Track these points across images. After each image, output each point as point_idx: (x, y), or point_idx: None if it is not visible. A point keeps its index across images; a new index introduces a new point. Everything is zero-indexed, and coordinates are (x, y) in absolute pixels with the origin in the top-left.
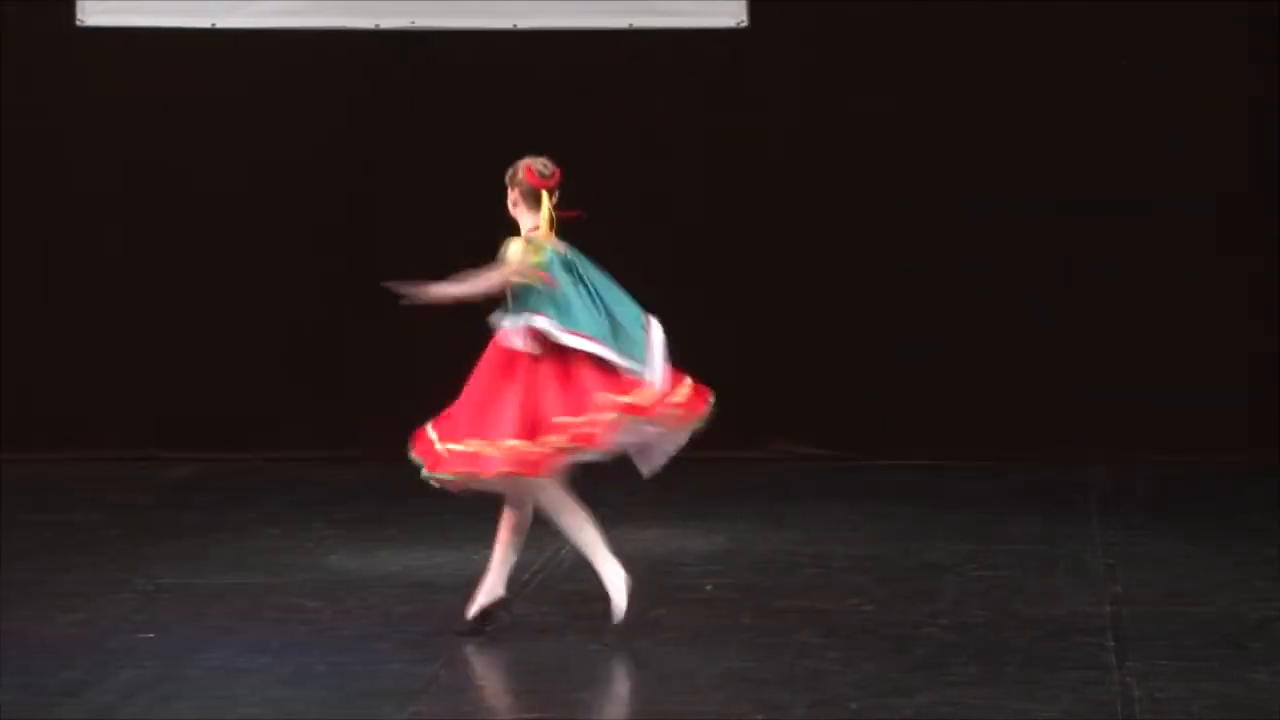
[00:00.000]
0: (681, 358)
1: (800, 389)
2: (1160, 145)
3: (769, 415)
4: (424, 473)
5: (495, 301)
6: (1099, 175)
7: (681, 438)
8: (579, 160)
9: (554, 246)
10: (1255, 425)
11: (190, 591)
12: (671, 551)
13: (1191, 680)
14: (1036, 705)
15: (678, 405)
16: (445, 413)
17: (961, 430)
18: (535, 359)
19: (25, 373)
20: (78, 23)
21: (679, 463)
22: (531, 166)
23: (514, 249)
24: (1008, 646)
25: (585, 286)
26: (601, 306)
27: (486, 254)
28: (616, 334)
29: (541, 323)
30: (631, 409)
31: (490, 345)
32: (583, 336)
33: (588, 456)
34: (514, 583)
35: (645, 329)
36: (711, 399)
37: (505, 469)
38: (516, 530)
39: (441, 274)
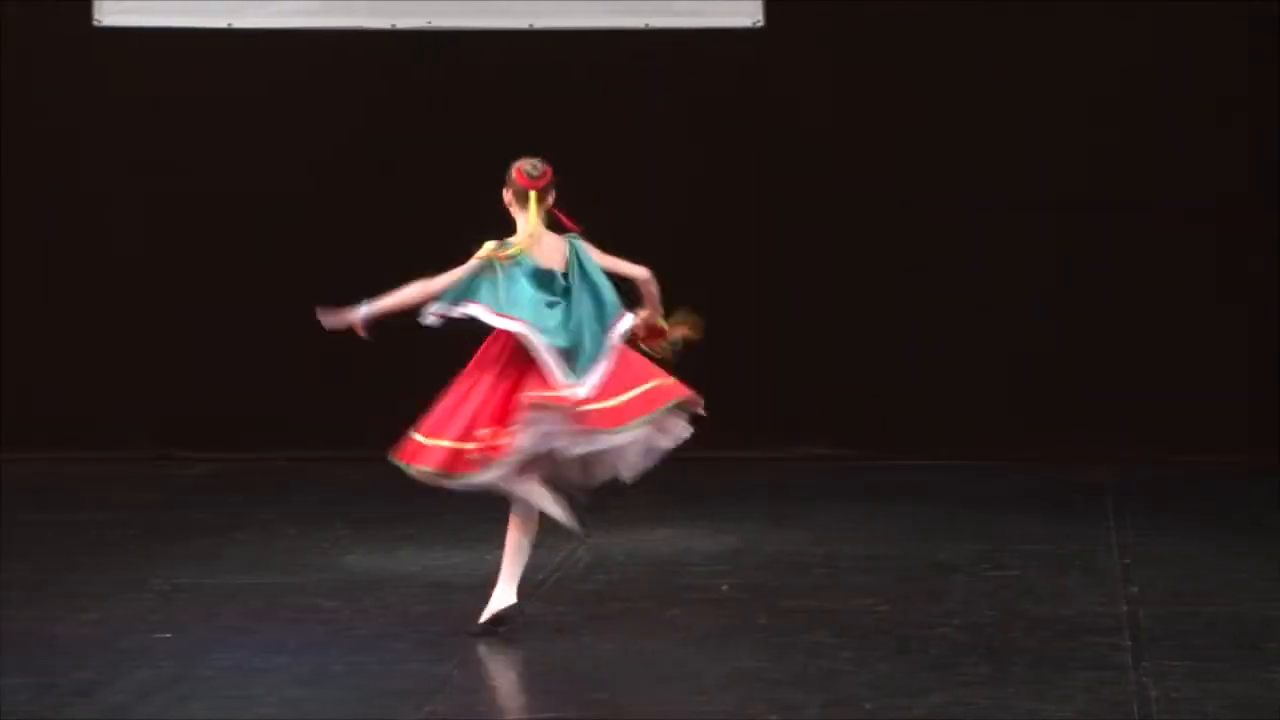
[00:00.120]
0: (682, 357)
1: (800, 389)
2: (1160, 145)
3: (769, 415)
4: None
5: None
6: (1099, 175)
7: (668, 440)
8: (583, 160)
9: (531, 250)
10: (1255, 425)
11: (206, 591)
12: (680, 552)
13: (1207, 680)
14: (1051, 705)
15: (610, 409)
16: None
17: (961, 430)
18: (511, 363)
19: (25, 372)
20: (95, 23)
21: (681, 463)
22: (521, 167)
23: (485, 248)
24: (1020, 647)
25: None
26: (569, 309)
27: None
28: (570, 336)
29: (474, 309)
30: (541, 401)
31: (485, 342)
32: (512, 319)
33: (504, 465)
34: (528, 583)
35: (606, 336)
36: (681, 395)
37: (436, 466)
38: (524, 533)
39: None
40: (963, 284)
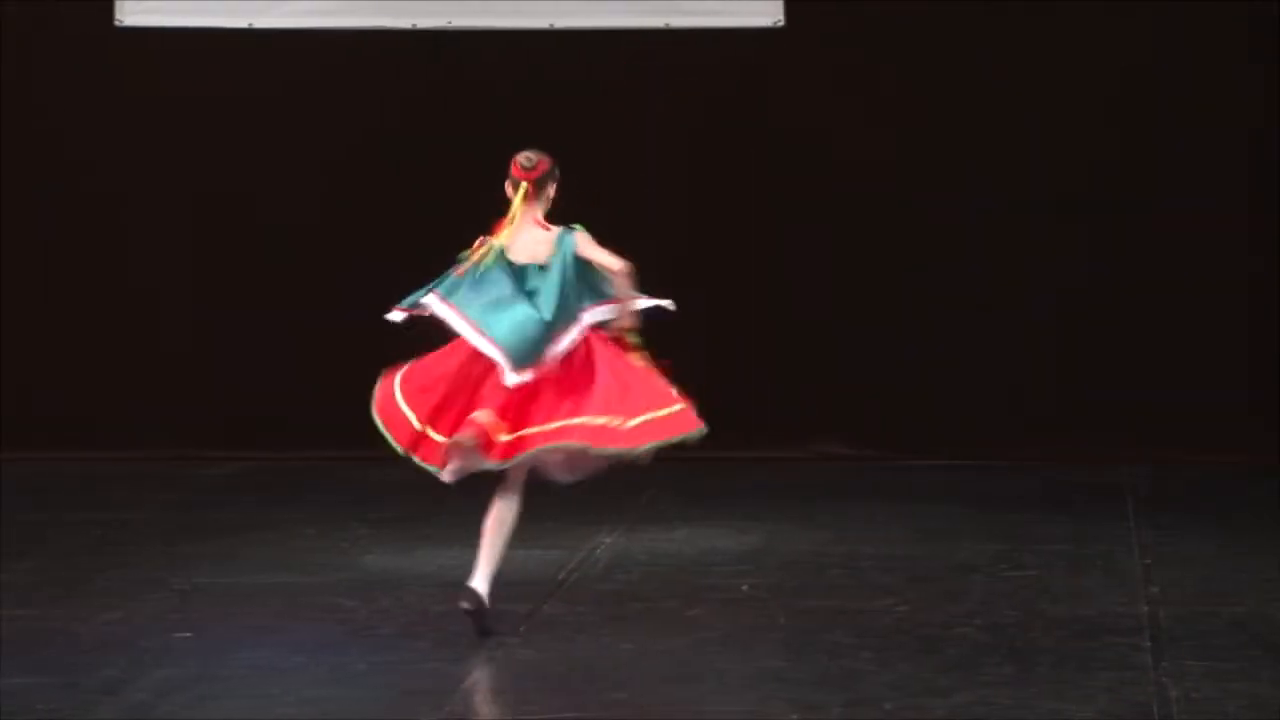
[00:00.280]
0: (682, 357)
1: (800, 389)
2: (1160, 145)
3: (769, 415)
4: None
5: None
6: (1099, 175)
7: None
8: (584, 160)
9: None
10: (1255, 425)
11: (227, 591)
12: (701, 551)
13: (1227, 681)
14: (1071, 705)
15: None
16: None
17: (962, 430)
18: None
19: (26, 372)
20: (116, 23)
21: (681, 463)
22: (517, 159)
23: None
24: (1041, 647)
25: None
26: (533, 303)
27: None
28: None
29: (428, 298)
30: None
31: None
32: (453, 308)
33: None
34: (549, 581)
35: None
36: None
37: (404, 446)
38: (499, 523)
39: None
40: (963, 284)
